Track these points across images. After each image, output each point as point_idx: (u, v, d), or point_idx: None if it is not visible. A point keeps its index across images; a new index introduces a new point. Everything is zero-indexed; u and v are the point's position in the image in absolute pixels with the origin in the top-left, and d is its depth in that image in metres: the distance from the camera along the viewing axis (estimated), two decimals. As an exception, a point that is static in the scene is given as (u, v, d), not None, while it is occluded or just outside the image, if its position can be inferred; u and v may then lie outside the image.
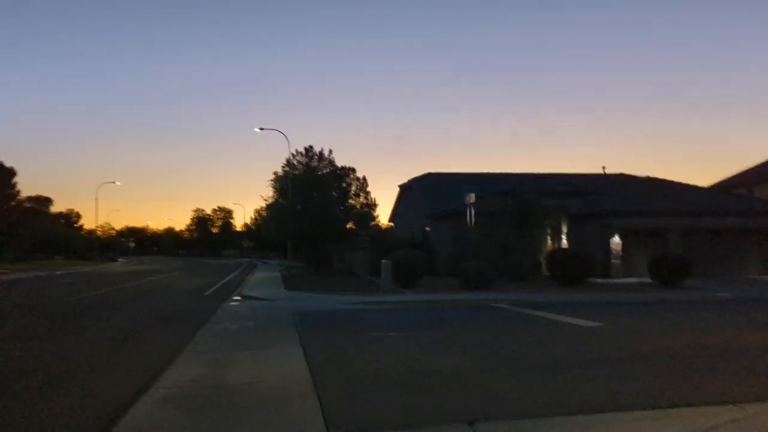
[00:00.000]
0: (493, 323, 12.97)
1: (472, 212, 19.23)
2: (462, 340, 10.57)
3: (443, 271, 26.63)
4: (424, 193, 32.00)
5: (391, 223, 43.05)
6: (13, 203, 64.64)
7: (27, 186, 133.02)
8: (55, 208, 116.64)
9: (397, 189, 38.84)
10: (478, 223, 26.84)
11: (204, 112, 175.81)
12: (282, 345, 10.15)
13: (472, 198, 18.97)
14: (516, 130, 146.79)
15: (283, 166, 41.86)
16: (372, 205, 68.04)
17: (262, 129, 38.56)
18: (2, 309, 17.41)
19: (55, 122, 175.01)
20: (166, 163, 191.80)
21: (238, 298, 20.28)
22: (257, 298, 19.32)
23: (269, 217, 44.55)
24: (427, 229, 31.74)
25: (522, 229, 23.26)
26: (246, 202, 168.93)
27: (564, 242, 27.92)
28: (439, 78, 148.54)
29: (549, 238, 28.53)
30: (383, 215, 71.06)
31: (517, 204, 22.73)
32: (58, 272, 44.11)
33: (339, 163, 62.20)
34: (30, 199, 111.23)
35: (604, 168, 36.19)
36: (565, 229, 27.85)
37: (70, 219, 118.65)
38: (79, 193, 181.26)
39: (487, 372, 7.70)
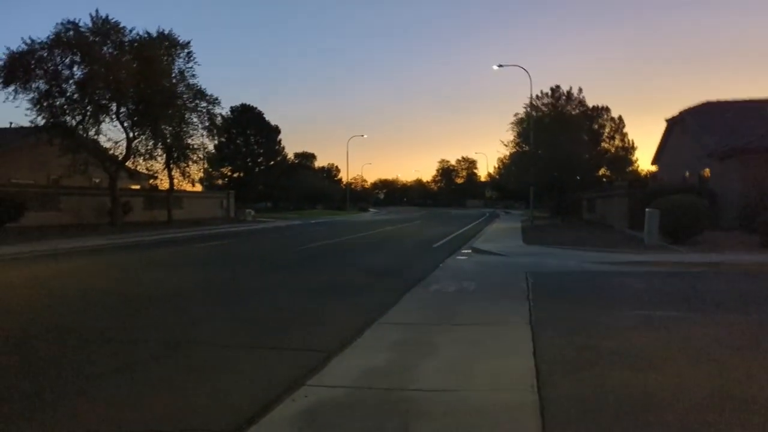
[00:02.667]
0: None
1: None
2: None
3: (729, 225, 20.77)
4: (702, 127, 25.52)
5: (655, 167, 36.48)
6: (278, 158, 71.65)
7: (288, 142, 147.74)
8: (318, 163, 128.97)
9: (663, 125, 32.30)
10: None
11: (442, 54, 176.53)
12: (503, 322, 7.33)
13: None
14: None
15: (525, 107, 37.94)
16: (629, 149, 60.18)
17: (501, 66, 35.16)
18: (219, 258, 17.53)
19: (309, 80, 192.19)
20: (409, 114, 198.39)
21: (468, 251, 17.89)
22: (488, 252, 16.66)
23: (510, 163, 41.32)
24: (706, 172, 25.39)
25: None
26: (489, 151, 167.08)
27: None
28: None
29: None
30: (642, 159, 62.29)
31: None
32: (312, 221, 47.12)
33: (590, 103, 55.91)
34: (297, 155, 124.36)
35: None
36: None
37: (330, 173, 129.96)
38: (334, 148, 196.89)
39: None
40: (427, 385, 4.88)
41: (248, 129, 69.16)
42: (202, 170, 44.20)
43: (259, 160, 71.56)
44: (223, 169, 68.58)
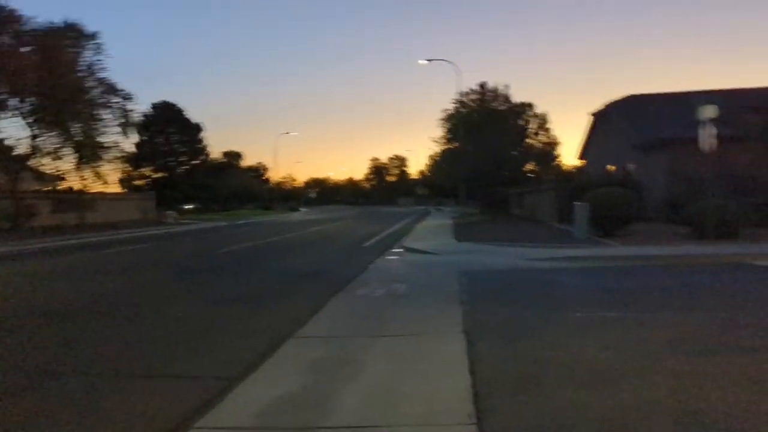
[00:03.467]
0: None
1: (710, 133, 13.54)
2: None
3: (654, 216, 21.02)
4: (627, 120, 25.86)
5: (581, 161, 37.11)
6: (202, 157, 68.86)
7: (213, 141, 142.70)
8: (246, 162, 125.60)
9: (588, 119, 32.75)
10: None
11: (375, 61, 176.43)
12: (436, 331, 6.51)
13: (710, 112, 13.30)
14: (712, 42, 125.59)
15: (453, 102, 37.71)
16: (554, 144, 61.48)
17: (428, 60, 34.73)
18: (126, 265, 16.01)
19: (231, 78, 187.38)
20: (340, 112, 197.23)
21: (399, 250, 17.11)
22: (419, 251, 15.93)
23: (440, 160, 41.07)
24: (630, 165, 25.78)
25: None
26: (421, 148, 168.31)
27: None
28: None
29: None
30: (566, 155, 64.05)
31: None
32: (238, 222, 45.31)
33: (515, 99, 56.67)
34: (224, 154, 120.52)
35: None
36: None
37: (259, 172, 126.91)
38: (263, 147, 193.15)
39: None
40: (346, 419, 3.97)
41: (169, 127, 66.01)
42: (119, 171, 41.52)
43: (181, 160, 68.48)
44: (144, 170, 65.13)
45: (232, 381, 4.83)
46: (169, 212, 44.00)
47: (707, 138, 13.56)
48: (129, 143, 35.27)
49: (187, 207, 73.88)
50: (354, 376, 4.90)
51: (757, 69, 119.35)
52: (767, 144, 16.34)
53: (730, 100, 25.42)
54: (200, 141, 71.16)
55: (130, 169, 58.57)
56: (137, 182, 63.97)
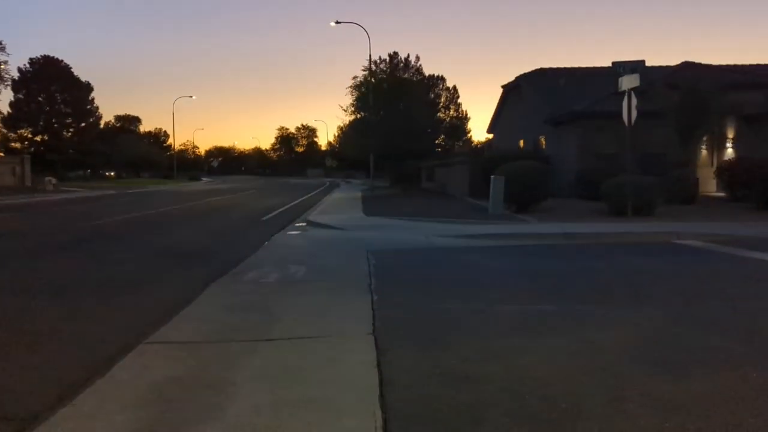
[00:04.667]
0: (731, 284, 7.19)
1: (633, 104, 12.79)
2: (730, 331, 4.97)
3: (567, 192, 20.61)
4: (538, 93, 25.35)
5: (491, 135, 36.74)
6: (92, 120, 63.12)
7: (113, 105, 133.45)
8: (144, 127, 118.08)
9: (498, 92, 32.25)
10: (618, 128, 20.46)
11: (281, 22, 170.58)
12: (337, 332, 5.06)
13: (632, 82, 12.51)
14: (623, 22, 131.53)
15: (363, 69, 36.03)
16: (464, 119, 61.49)
17: (338, 23, 32.75)
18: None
19: (129, 40, 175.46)
20: (246, 76, 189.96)
21: (302, 224, 15.50)
22: (325, 226, 14.40)
23: (348, 131, 39.42)
24: (542, 139, 25.38)
25: (691, 135, 16.52)
26: (330, 119, 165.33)
27: (729, 151, 20.95)
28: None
29: (705, 146, 21.57)
30: (475, 130, 64.29)
31: (690, 100, 15.81)
32: (129, 191, 41.71)
33: (426, 71, 55.83)
34: (118, 118, 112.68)
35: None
36: (731, 134, 20.78)
37: (158, 138, 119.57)
38: (163, 112, 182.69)
39: None
40: None
41: (52, 85, 59.68)
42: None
43: (67, 122, 62.40)
44: (22, 131, 58.72)
45: (34, 418, 3.21)
46: (48, 178, 39.55)
47: (630, 109, 12.83)
48: (1, 101, 30.84)
49: (75, 174, 68.01)
50: (217, 411, 3.34)
51: (666, 49, 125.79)
52: (681, 120, 16.04)
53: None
54: (90, 102, 65.21)
55: (4, 130, 52.47)
56: (14, 145, 57.64)
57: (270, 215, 18.59)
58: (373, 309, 5.76)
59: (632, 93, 12.80)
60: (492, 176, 15.68)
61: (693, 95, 15.77)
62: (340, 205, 22.53)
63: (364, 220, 15.49)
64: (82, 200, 28.94)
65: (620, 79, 13.05)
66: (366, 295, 6.42)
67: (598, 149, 20.39)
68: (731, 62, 24.62)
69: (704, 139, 20.63)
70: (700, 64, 18.45)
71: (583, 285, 6.98)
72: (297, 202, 26.40)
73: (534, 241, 10.95)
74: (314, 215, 17.36)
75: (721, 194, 18.42)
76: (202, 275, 7.84)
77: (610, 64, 12.60)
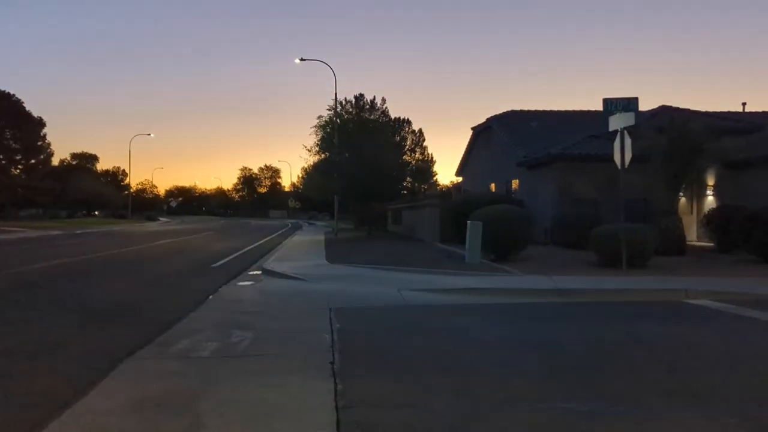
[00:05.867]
0: None
1: (627, 144, 11.59)
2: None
3: (543, 239, 19.39)
4: (510, 136, 24.39)
5: (459, 178, 35.73)
6: (42, 156, 60.15)
7: (70, 143, 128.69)
8: (102, 166, 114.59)
9: (464, 136, 31.37)
10: (602, 171, 19.49)
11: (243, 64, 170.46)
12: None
13: (626, 120, 11.35)
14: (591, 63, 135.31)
15: (328, 108, 34.82)
16: (429, 162, 60.75)
17: (303, 60, 31.60)
18: None
19: (83, 76, 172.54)
20: (208, 116, 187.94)
21: (257, 272, 13.77)
22: (283, 275, 12.69)
23: (312, 171, 37.90)
24: (514, 182, 24.31)
25: (679, 181, 15.48)
26: (294, 159, 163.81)
27: (709, 198, 20.15)
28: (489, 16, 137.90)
29: (683, 193, 20.73)
30: (442, 173, 63.69)
31: (678, 144, 14.78)
32: (78, 231, 39.12)
33: (393, 114, 55.19)
34: (75, 155, 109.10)
35: (744, 105, 27.58)
36: (711, 180, 20.02)
37: (116, 177, 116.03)
38: (122, 150, 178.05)
39: None
40: None
41: (1, 120, 56.80)
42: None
43: (16, 158, 59.32)
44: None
45: None
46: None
47: (624, 150, 11.64)
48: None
49: (28, 213, 64.57)
50: None
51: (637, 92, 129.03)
52: (669, 166, 15.03)
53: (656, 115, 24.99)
54: (42, 138, 62.35)
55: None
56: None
57: (222, 261, 16.75)
58: (337, 409, 4.12)
59: (625, 132, 11.65)
60: (468, 221, 14.29)
61: (681, 140, 14.81)
62: (302, 249, 20.81)
63: (328, 269, 13.84)
64: (17, 242, 26.48)
65: (611, 117, 11.93)
66: (327, 381, 4.78)
67: (577, 194, 19.35)
68: (700, 108, 24.19)
69: (683, 186, 19.81)
70: (678, 108, 17.72)
71: (610, 369, 5.42)
72: (255, 245, 24.55)
73: (525, 298, 9.45)
74: (272, 262, 15.61)
75: (707, 244, 17.45)
76: (118, 345, 6.11)
77: (599, 102, 11.49)
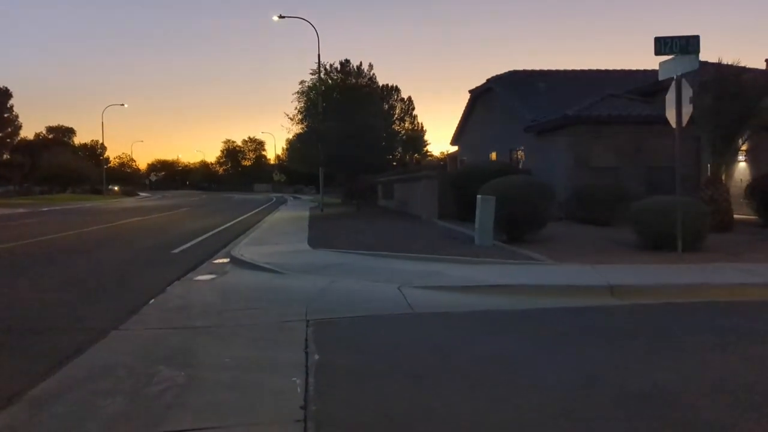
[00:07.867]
0: None
1: (686, 96, 9.07)
2: None
3: (555, 214, 17.02)
4: (513, 98, 21.88)
5: (455, 147, 33.26)
6: (9, 129, 56.68)
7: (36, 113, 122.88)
8: (80, 139, 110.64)
9: (456, 103, 28.87)
10: (619, 137, 17.14)
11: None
12: None
13: (687, 64, 8.74)
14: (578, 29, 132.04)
15: (311, 73, 32.01)
16: (419, 131, 58.17)
17: (282, 17, 28.68)
18: None
19: (57, 49, 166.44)
20: (190, 87, 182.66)
21: (224, 260, 11.35)
22: (253, 266, 10.25)
23: (295, 142, 35.15)
24: (520, 150, 21.87)
25: (728, 146, 13.11)
26: (277, 131, 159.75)
27: (741, 165, 17.85)
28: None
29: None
30: (434, 143, 60.91)
31: (729, 100, 12.29)
32: (44, 208, 36.37)
33: (381, 81, 52.35)
34: (51, 129, 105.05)
35: (766, 61, 25.11)
36: (745, 145, 17.73)
37: (95, 151, 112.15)
38: (100, 123, 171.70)
39: None
40: None
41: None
42: None
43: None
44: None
45: None
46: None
47: (681, 104, 9.20)
48: None
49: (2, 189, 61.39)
50: None
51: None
52: (714, 127, 12.64)
53: (627, 81, 22.58)
54: (10, 109, 58.81)
55: None
56: None
57: (188, 244, 14.28)
58: None
59: (684, 81, 9.20)
60: (479, 195, 11.88)
61: (733, 96, 12.38)
62: (283, 229, 18.33)
63: (309, 256, 11.41)
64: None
65: (661, 63, 9.48)
66: None
67: (595, 162, 16.98)
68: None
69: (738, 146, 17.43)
70: (718, 64, 15.24)
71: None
72: (232, 223, 22.05)
73: (570, 300, 7.09)
74: (243, 246, 13.14)
75: (746, 216, 15.19)
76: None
77: (653, 40, 8.97)
